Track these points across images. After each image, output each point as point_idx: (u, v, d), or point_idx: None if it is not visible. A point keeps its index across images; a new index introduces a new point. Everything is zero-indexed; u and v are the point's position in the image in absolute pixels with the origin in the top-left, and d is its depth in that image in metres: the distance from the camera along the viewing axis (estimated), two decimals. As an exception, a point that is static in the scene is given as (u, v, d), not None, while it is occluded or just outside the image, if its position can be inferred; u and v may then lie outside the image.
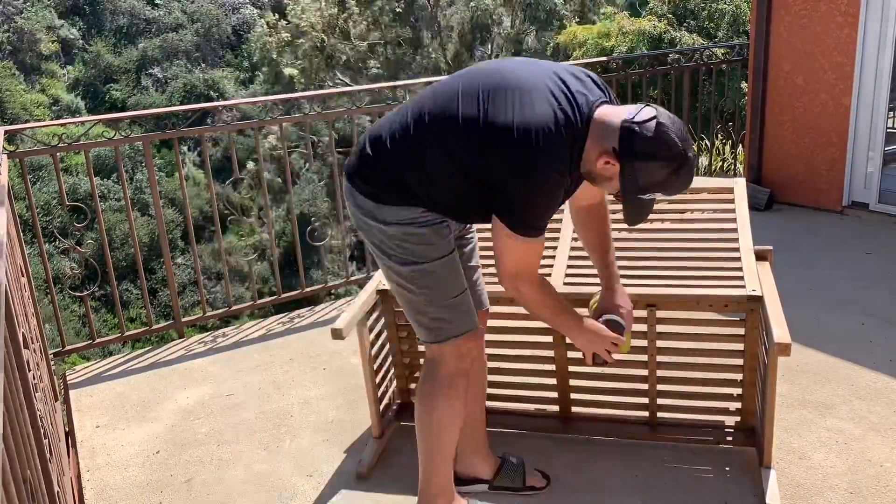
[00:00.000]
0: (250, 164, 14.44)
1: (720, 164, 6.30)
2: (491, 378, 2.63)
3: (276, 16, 16.21)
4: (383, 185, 1.95)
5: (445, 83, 1.96)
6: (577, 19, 16.03)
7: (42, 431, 1.83)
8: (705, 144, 6.15)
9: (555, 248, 2.52)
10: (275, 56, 15.67)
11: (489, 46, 16.14)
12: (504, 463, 2.36)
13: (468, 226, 2.19)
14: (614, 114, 1.79)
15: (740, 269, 2.30)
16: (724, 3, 10.13)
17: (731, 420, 2.48)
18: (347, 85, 14.23)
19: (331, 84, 14.68)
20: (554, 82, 1.83)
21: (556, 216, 2.60)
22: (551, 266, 2.45)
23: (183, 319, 3.84)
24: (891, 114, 4.68)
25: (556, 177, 1.79)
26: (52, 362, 3.25)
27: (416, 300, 2.02)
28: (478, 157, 1.83)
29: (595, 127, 1.80)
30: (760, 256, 2.39)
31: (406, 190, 1.93)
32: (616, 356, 2.11)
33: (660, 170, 1.75)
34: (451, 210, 1.98)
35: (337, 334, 2.28)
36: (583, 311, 2.42)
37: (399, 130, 1.93)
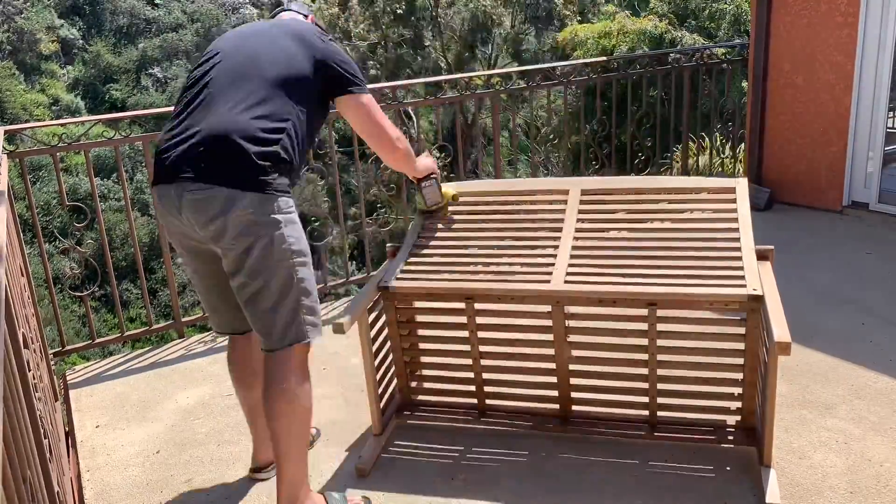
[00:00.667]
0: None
1: (720, 163, 6.31)
2: (491, 377, 2.64)
3: (277, 15, 16.18)
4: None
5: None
6: (578, 18, 16.03)
7: (42, 431, 1.82)
8: (706, 144, 6.15)
9: (556, 246, 2.52)
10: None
11: (489, 47, 16.14)
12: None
13: None
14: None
15: (741, 268, 2.30)
16: (725, 2, 10.14)
17: (731, 419, 2.48)
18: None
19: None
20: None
21: (557, 216, 2.61)
22: (552, 265, 2.45)
23: (183, 319, 3.84)
24: (891, 114, 4.68)
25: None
26: (52, 362, 3.25)
27: (308, 293, 2.13)
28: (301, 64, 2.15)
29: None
30: (761, 256, 2.39)
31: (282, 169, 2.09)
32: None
33: None
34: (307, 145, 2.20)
35: (338, 328, 2.28)
36: (582, 311, 2.43)
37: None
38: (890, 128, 4.63)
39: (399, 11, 15.09)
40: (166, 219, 2.14)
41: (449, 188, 2.76)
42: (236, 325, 2.32)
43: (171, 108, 2.28)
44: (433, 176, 2.65)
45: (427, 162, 2.61)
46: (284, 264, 2.07)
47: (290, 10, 2.40)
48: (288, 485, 2.12)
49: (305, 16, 2.39)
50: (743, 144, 5.58)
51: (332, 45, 2.26)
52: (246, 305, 2.11)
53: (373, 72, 15.03)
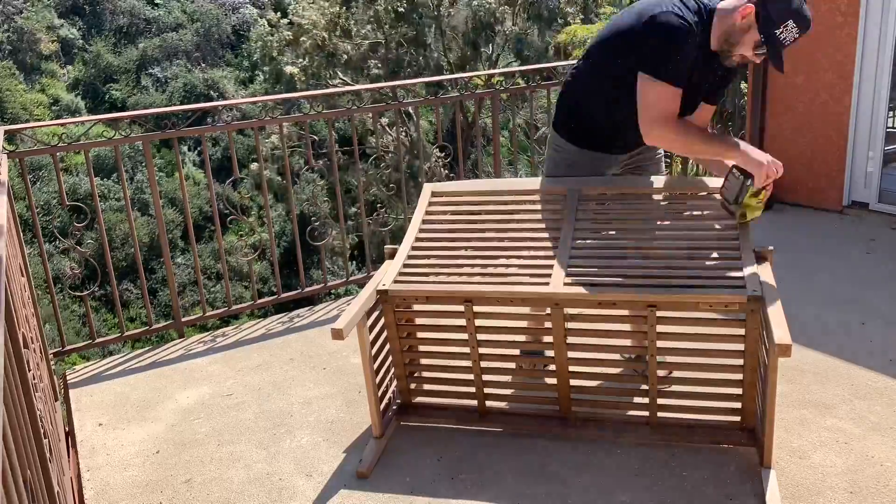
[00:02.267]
0: (254, 166, 14.44)
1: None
2: (491, 378, 2.64)
3: (279, 14, 16.21)
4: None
5: None
6: (581, 17, 16.02)
7: (42, 431, 1.82)
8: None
9: (555, 248, 2.52)
10: (275, 55, 15.67)
11: (490, 46, 16.14)
12: None
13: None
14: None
15: (741, 269, 2.30)
16: (724, 2, 10.13)
17: (731, 420, 2.48)
18: (348, 84, 14.23)
19: (331, 83, 14.68)
20: None
21: (556, 217, 2.61)
22: (552, 267, 2.45)
23: (183, 319, 3.84)
24: (891, 113, 4.68)
25: (680, 24, 2.25)
26: (52, 362, 3.25)
27: None
28: (615, 44, 2.43)
29: (718, 12, 2.33)
30: (761, 257, 2.39)
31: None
32: None
33: (788, 5, 2.22)
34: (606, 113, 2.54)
35: (337, 334, 2.28)
36: (584, 312, 2.43)
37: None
38: (890, 127, 4.63)
39: (401, 10, 15.09)
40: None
41: (756, 208, 2.40)
42: None
43: (171, 108, 2.30)
44: (747, 177, 2.36)
45: (756, 155, 2.36)
46: None
47: None
48: None
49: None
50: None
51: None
52: None
53: (374, 71, 15.03)
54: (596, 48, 2.51)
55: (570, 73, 2.61)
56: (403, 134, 12.72)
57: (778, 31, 2.24)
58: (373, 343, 2.50)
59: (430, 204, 2.80)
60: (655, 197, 2.62)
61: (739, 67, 2.51)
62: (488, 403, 2.68)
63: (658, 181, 2.66)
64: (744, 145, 2.39)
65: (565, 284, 2.38)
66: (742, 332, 2.30)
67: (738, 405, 2.43)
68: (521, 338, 2.73)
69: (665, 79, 2.30)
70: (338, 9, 15.01)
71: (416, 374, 2.79)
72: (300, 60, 15.06)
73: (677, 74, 2.30)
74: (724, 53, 2.38)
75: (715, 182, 2.63)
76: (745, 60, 2.40)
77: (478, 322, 2.52)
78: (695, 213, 2.57)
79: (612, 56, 2.44)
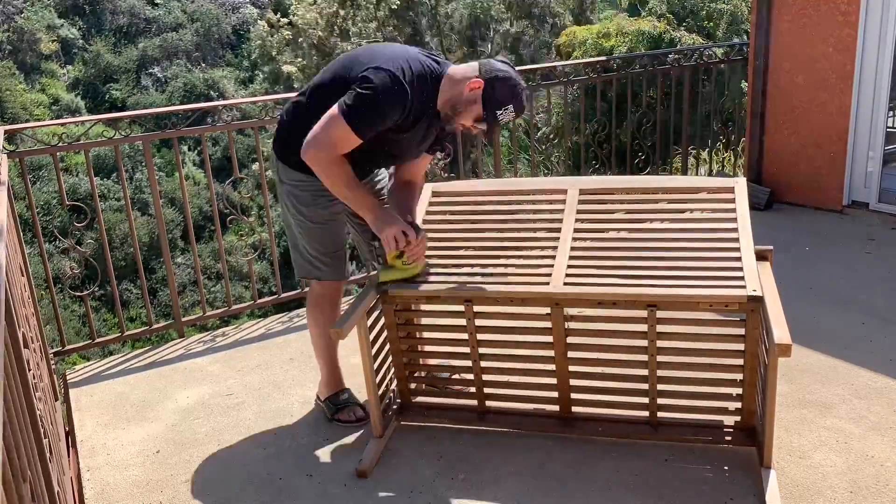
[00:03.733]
0: (255, 166, 14.43)
1: (720, 163, 6.30)
2: (491, 378, 2.64)
3: (278, 14, 16.21)
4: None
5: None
6: (571, 17, 16.01)
7: (42, 431, 1.82)
8: (704, 155, 6.16)
9: (555, 248, 2.52)
10: (275, 54, 15.68)
11: (489, 45, 16.13)
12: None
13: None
14: (462, 67, 2.46)
15: (741, 269, 2.30)
16: (723, 2, 10.13)
17: (731, 420, 2.48)
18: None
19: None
20: (409, 52, 2.48)
21: (556, 216, 2.61)
22: (551, 266, 2.45)
23: (183, 319, 3.84)
24: (891, 113, 4.68)
25: (393, 87, 2.34)
26: (52, 362, 3.25)
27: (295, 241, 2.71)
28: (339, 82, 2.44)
29: (448, 78, 2.44)
30: (761, 256, 2.39)
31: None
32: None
33: (510, 87, 2.37)
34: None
35: (337, 334, 2.28)
36: (584, 311, 2.43)
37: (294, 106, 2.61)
38: (890, 127, 4.64)
39: (394, 7, 15.09)
40: None
41: (403, 270, 2.50)
42: None
43: (171, 108, 2.37)
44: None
45: (385, 227, 2.46)
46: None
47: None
48: (321, 373, 2.85)
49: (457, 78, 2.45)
50: (742, 144, 5.58)
51: (371, 76, 2.37)
52: None
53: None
54: (317, 90, 2.53)
55: (291, 106, 2.61)
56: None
57: (499, 112, 2.37)
58: (373, 343, 2.50)
59: (431, 204, 2.80)
60: (655, 197, 2.61)
61: (458, 132, 2.64)
62: (488, 403, 2.68)
63: (658, 181, 2.66)
64: (379, 209, 2.50)
65: (565, 284, 2.38)
66: (742, 331, 2.30)
67: (738, 405, 2.43)
68: (521, 337, 2.72)
69: (353, 126, 2.36)
70: (336, 9, 15.01)
71: (416, 374, 2.79)
72: (299, 60, 15.06)
73: (365, 128, 2.37)
74: (446, 118, 2.47)
75: (716, 182, 2.64)
76: (464, 129, 2.50)
77: (478, 322, 2.52)
78: (695, 212, 2.57)
79: (332, 98, 2.43)
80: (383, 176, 2.82)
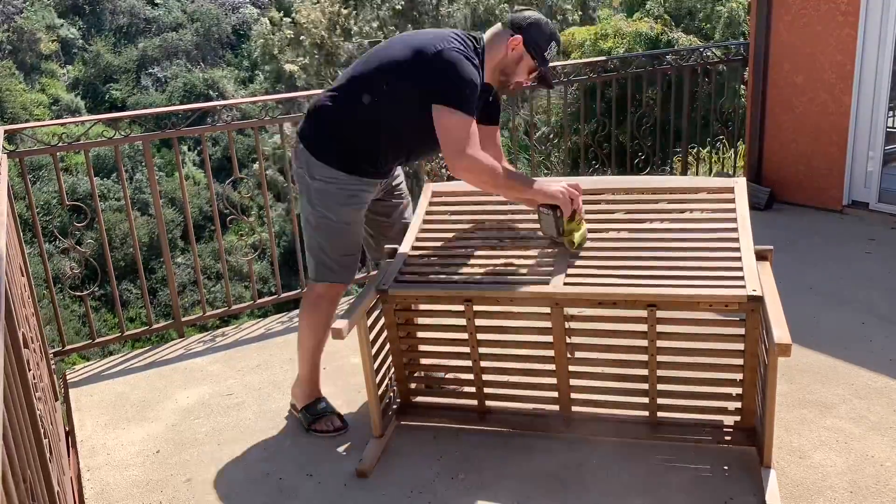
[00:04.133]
0: (255, 166, 14.43)
1: (720, 163, 6.31)
2: (491, 378, 2.64)
3: (281, 13, 16.22)
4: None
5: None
6: (580, 13, 16.02)
7: (42, 431, 1.82)
8: (704, 154, 6.16)
9: (554, 248, 2.52)
10: (276, 53, 15.68)
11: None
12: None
13: (395, 183, 2.75)
14: (490, 34, 2.53)
15: (741, 269, 2.29)
16: (721, 4, 10.14)
17: (731, 420, 2.48)
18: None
19: (331, 82, 14.69)
20: (447, 32, 2.49)
21: (556, 216, 2.61)
22: (551, 266, 2.45)
23: (183, 319, 3.84)
24: (891, 113, 4.68)
25: (465, 60, 2.37)
26: (52, 362, 3.25)
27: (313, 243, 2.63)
28: (405, 73, 2.42)
29: (488, 45, 2.50)
30: (761, 256, 2.39)
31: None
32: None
33: (542, 27, 2.47)
34: (401, 144, 2.55)
35: (337, 334, 2.28)
36: (584, 311, 2.42)
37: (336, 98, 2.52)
38: (890, 127, 4.63)
39: (398, 7, 15.10)
40: None
41: (576, 234, 2.47)
42: None
43: (171, 108, 2.37)
44: (555, 209, 2.46)
45: (553, 188, 2.47)
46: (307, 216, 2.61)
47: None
48: (299, 375, 2.78)
49: (477, 44, 2.49)
50: (742, 144, 5.58)
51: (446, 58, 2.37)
52: None
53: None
54: (358, 79, 2.50)
55: (327, 100, 2.54)
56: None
57: (547, 54, 2.49)
58: (373, 343, 2.50)
59: (431, 204, 2.80)
60: (655, 196, 2.61)
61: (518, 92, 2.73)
62: (488, 403, 2.68)
63: (658, 181, 2.66)
64: (537, 182, 2.50)
65: (565, 284, 2.38)
66: (742, 331, 2.30)
67: (738, 405, 2.43)
68: (521, 337, 2.72)
69: (466, 111, 2.36)
70: (338, 8, 15.01)
71: (416, 374, 2.79)
72: (300, 59, 15.07)
73: (472, 107, 2.38)
74: (502, 83, 2.54)
75: (716, 182, 2.64)
76: (518, 87, 2.59)
77: (478, 322, 2.52)
78: (695, 212, 2.57)
79: (394, 85, 2.44)
80: (401, 175, 2.81)
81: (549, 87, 2.71)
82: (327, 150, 2.51)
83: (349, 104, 2.49)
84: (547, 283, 2.39)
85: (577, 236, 2.47)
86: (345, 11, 15.04)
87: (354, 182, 2.53)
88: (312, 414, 2.75)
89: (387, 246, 2.72)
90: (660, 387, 2.45)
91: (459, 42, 2.43)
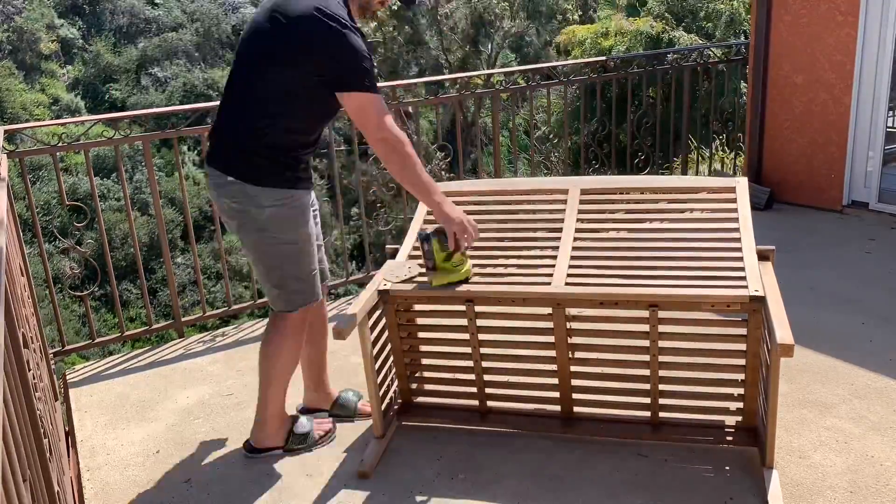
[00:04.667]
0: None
1: (720, 163, 6.31)
2: (492, 378, 2.63)
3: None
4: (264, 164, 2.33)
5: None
6: (580, 13, 16.02)
7: (42, 431, 1.82)
8: (705, 154, 6.16)
9: (556, 248, 2.51)
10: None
11: (489, 45, 16.13)
12: (339, 397, 2.82)
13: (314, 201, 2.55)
14: None
15: (742, 269, 2.29)
16: (722, 3, 10.13)
17: (732, 420, 2.47)
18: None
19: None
20: None
21: (557, 216, 2.61)
22: (553, 266, 2.45)
23: (183, 319, 3.84)
24: (891, 113, 4.68)
25: (354, 31, 2.24)
26: (52, 362, 3.25)
27: (276, 275, 2.43)
28: (299, 53, 2.23)
29: None
30: (762, 256, 2.39)
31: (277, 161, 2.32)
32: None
33: None
34: (311, 135, 2.39)
35: (339, 334, 2.28)
36: (585, 311, 2.42)
37: (238, 106, 2.35)
38: (890, 127, 4.63)
39: (395, 7, 15.09)
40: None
41: (453, 272, 2.40)
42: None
43: (171, 108, 2.36)
44: (437, 234, 2.37)
45: (457, 211, 2.39)
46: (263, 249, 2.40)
47: None
48: (261, 407, 2.60)
49: None
50: (742, 144, 5.58)
51: (340, 34, 2.21)
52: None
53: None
54: (265, 78, 2.28)
55: (241, 121, 2.31)
56: (404, 134, 12.68)
57: None
58: (374, 343, 2.50)
59: (431, 204, 2.80)
60: (656, 196, 2.61)
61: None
62: (489, 403, 2.68)
63: (659, 181, 2.66)
64: (446, 197, 2.39)
65: (567, 284, 2.38)
66: (744, 331, 2.30)
67: (739, 405, 2.43)
68: (522, 337, 2.72)
69: (376, 90, 2.25)
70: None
71: (416, 375, 2.79)
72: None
73: (375, 80, 2.28)
74: (362, 14, 2.40)
75: (717, 182, 2.63)
76: (380, 6, 2.46)
77: (479, 322, 2.52)
78: (696, 212, 2.57)
79: (292, 78, 2.25)
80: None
81: (409, 2, 2.55)
82: (271, 173, 2.32)
83: (267, 115, 2.29)
84: (548, 283, 2.39)
85: (442, 277, 2.40)
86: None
87: (302, 194, 2.39)
88: (302, 436, 2.63)
89: (388, 246, 2.72)
90: (661, 387, 2.45)
91: (326, 4, 2.22)
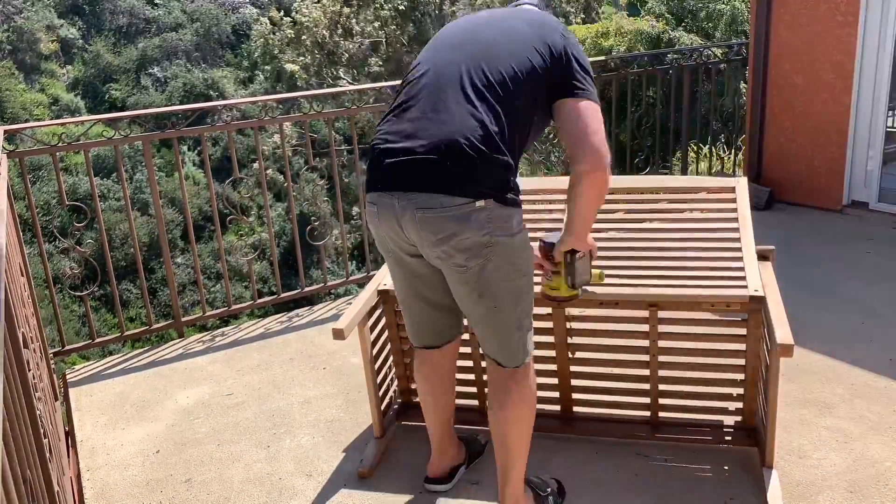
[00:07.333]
0: (255, 166, 14.48)
1: (720, 163, 6.30)
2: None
3: (281, 13, 16.23)
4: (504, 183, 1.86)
5: (442, 50, 1.98)
6: (583, 15, 16.01)
7: (42, 431, 1.82)
8: (705, 151, 6.16)
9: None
10: (276, 53, 15.69)
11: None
12: (469, 444, 2.48)
13: None
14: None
15: (742, 269, 2.29)
16: (722, 2, 10.13)
17: (732, 420, 2.48)
18: (349, 83, 14.23)
19: (331, 82, 14.69)
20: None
21: (556, 216, 2.61)
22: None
23: (183, 319, 3.84)
24: (890, 112, 4.68)
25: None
26: (52, 362, 3.25)
27: (523, 315, 2.01)
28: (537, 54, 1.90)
29: None
30: (762, 256, 2.39)
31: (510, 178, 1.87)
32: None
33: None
34: (528, 146, 2.00)
35: (338, 334, 2.28)
36: (585, 311, 2.42)
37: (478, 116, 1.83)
38: (890, 127, 4.63)
39: (401, 8, 15.11)
40: (380, 229, 1.98)
41: (597, 268, 2.23)
42: (434, 341, 2.21)
43: (171, 108, 2.28)
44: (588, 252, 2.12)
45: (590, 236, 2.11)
46: (516, 284, 1.95)
47: (527, 2, 2.14)
48: (515, 485, 2.12)
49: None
50: (742, 144, 5.58)
51: (574, 37, 1.99)
52: (476, 325, 2.04)
53: (375, 69, 15.04)
54: (514, 71, 1.88)
55: (482, 128, 1.83)
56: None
57: None
58: (373, 343, 2.50)
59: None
60: (656, 196, 2.61)
61: None
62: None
63: (659, 181, 2.66)
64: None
65: (566, 284, 2.38)
66: (743, 331, 2.30)
67: (739, 405, 2.43)
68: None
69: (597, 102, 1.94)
70: (339, 7, 15.02)
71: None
72: (301, 59, 15.07)
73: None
74: None
75: (716, 182, 2.63)
76: None
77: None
78: (696, 212, 2.57)
79: (536, 77, 1.90)
80: None
81: None
82: (513, 190, 1.90)
83: (516, 120, 1.89)
84: (547, 282, 2.39)
85: (598, 272, 2.26)
86: (346, 11, 15.04)
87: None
88: (545, 490, 2.27)
89: None
90: (661, 387, 2.45)
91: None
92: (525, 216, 2.00)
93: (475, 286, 1.91)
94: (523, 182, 2.24)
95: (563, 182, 2.69)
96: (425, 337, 2.21)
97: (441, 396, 2.29)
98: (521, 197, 1.94)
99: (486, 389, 2.63)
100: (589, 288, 2.24)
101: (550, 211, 2.65)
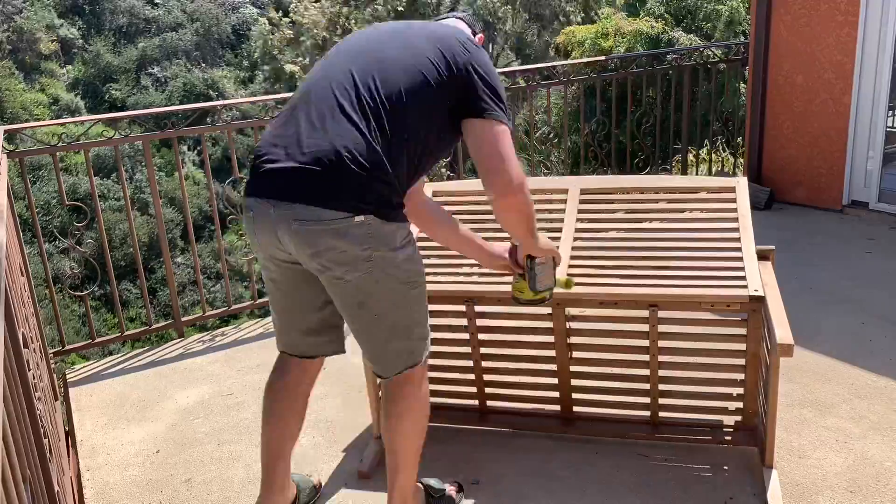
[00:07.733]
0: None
1: (720, 163, 6.30)
2: (492, 378, 2.63)
3: (280, 13, 16.24)
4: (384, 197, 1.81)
5: (335, 62, 1.94)
6: (583, 14, 16.01)
7: (42, 431, 1.82)
8: (705, 153, 6.16)
9: (556, 246, 2.51)
10: (276, 54, 15.70)
11: (490, 46, 16.13)
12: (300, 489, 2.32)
13: None
14: (460, 26, 2.09)
15: (742, 269, 2.29)
16: (722, 3, 10.12)
17: (732, 420, 2.47)
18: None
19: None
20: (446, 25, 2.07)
21: (556, 216, 2.61)
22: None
23: (183, 319, 3.84)
24: (890, 112, 4.68)
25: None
26: (52, 362, 3.25)
27: (414, 324, 1.99)
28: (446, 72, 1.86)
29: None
30: (762, 256, 2.39)
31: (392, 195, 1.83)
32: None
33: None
34: (427, 164, 1.96)
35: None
36: (585, 311, 2.42)
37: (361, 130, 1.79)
38: (890, 127, 4.63)
39: (400, 9, 15.12)
40: (256, 236, 1.91)
41: (562, 275, 2.26)
42: (304, 349, 2.14)
43: (171, 108, 2.27)
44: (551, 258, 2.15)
45: (548, 241, 2.13)
46: (401, 295, 1.91)
47: (456, 17, 2.14)
48: (400, 490, 2.08)
49: (473, 32, 2.08)
50: (741, 144, 5.58)
51: (483, 54, 1.94)
52: (357, 334, 1.99)
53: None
54: (407, 86, 1.83)
55: (363, 144, 1.77)
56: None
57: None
58: (373, 343, 2.49)
59: (431, 203, 2.80)
60: (656, 196, 2.61)
61: None
62: (489, 403, 2.68)
63: (659, 181, 2.66)
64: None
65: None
66: (743, 331, 2.30)
67: (738, 405, 2.43)
68: (523, 337, 2.72)
69: (507, 122, 1.89)
70: (338, 8, 15.03)
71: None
72: (300, 59, 15.08)
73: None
74: None
75: (716, 182, 2.63)
76: None
77: (479, 322, 2.52)
78: (695, 212, 2.57)
79: (432, 99, 1.86)
80: None
81: None
82: (397, 206, 1.86)
83: (406, 136, 1.85)
84: (547, 282, 2.39)
85: (565, 279, 2.27)
86: (345, 11, 15.05)
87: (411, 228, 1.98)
88: (438, 496, 2.25)
89: None
90: (661, 387, 2.45)
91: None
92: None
93: (355, 296, 1.87)
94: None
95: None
96: (297, 344, 2.12)
97: (290, 420, 2.16)
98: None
99: (485, 389, 2.64)
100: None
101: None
